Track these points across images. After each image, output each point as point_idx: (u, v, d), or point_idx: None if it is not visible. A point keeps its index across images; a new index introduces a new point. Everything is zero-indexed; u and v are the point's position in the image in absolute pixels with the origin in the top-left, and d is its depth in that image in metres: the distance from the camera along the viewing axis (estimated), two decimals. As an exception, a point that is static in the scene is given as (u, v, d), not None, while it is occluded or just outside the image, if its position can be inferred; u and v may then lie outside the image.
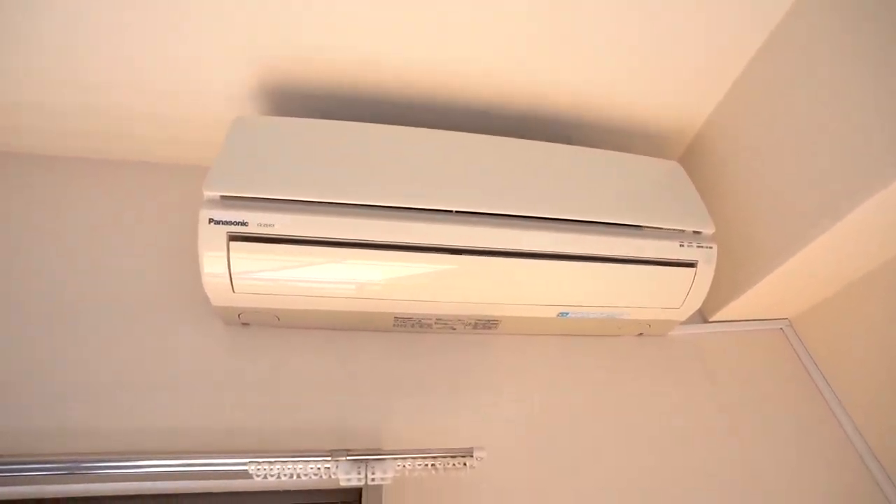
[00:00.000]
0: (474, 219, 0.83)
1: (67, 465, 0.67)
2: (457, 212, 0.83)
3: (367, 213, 0.79)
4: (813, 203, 0.90)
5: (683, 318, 1.01)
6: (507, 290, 0.88)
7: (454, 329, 0.95)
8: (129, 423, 0.76)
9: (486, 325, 0.95)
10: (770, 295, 1.07)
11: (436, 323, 0.92)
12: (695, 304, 0.97)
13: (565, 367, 0.99)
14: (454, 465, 0.70)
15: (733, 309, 1.10)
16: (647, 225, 0.91)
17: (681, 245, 0.90)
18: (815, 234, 0.89)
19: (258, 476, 0.68)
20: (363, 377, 0.88)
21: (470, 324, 0.94)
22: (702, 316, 1.15)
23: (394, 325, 0.92)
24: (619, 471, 0.88)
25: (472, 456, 0.70)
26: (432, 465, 0.71)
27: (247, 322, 0.89)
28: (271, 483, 0.77)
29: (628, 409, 0.96)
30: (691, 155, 1.24)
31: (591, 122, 1.16)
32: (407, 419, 0.84)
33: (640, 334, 1.07)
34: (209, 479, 0.73)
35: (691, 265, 0.92)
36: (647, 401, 0.99)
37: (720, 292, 1.07)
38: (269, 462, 0.66)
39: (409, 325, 0.92)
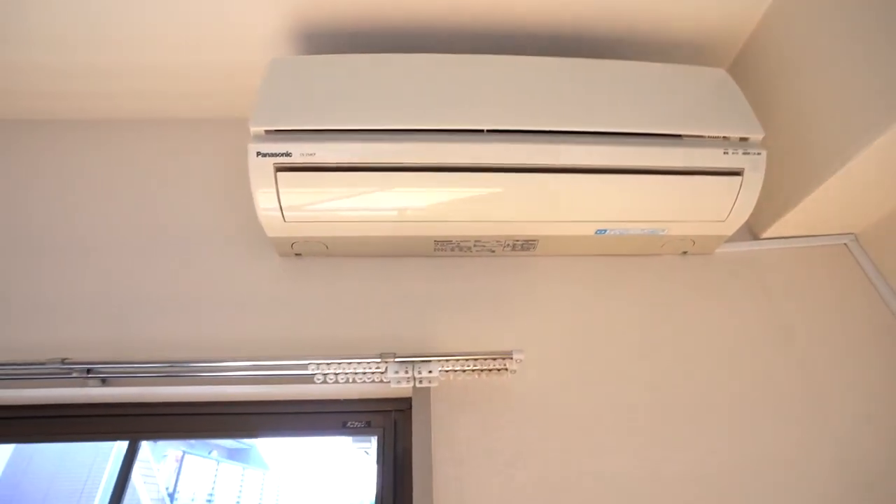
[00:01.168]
0: (508, 136, 0.84)
1: (162, 366, 0.78)
2: (489, 130, 0.84)
3: (401, 138, 0.82)
4: (874, 103, 0.83)
5: (730, 232, 0.98)
6: (544, 208, 0.89)
7: (493, 251, 0.98)
8: (207, 339, 0.86)
9: (525, 246, 0.97)
10: (828, 207, 1.01)
11: (475, 245, 0.95)
12: (741, 216, 0.94)
13: (605, 286, 1.00)
14: (495, 366, 0.75)
15: (788, 223, 1.04)
16: (687, 133, 0.87)
17: (725, 153, 0.87)
18: (876, 134, 0.82)
19: (318, 378, 0.76)
20: (407, 298, 0.93)
21: (508, 245, 0.96)
22: (752, 233, 1.10)
23: (434, 250, 0.96)
24: (664, 387, 0.89)
25: (511, 358, 0.74)
26: (474, 367, 0.75)
27: (299, 253, 0.97)
28: (329, 390, 0.85)
29: (671, 327, 0.96)
30: (739, 65, 1.16)
31: (636, 37, 1.10)
32: (450, 334, 0.89)
33: (684, 253, 1.05)
34: (275, 383, 0.82)
35: (736, 173, 0.88)
36: (691, 318, 0.98)
37: (772, 205, 1.02)
38: (327, 363, 0.73)
39: (449, 248, 0.96)
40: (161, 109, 1.19)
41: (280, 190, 0.83)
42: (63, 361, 0.75)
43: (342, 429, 0.91)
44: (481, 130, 0.84)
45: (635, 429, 0.83)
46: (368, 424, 0.90)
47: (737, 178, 0.88)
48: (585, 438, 0.81)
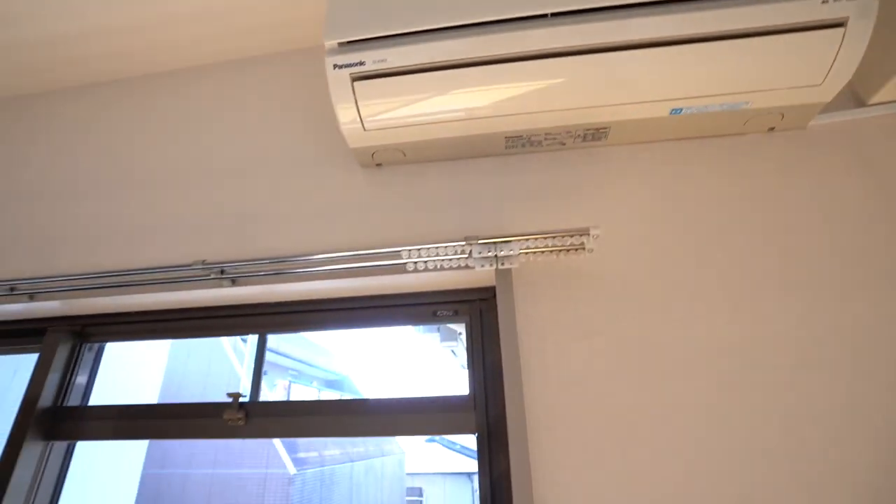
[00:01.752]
0: (573, 17, 0.82)
1: (278, 261, 0.91)
2: (553, 14, 0.82)
3: (466, 33, 0.83)
4: None
5: (827, 99, 0.90)
6: (614, 90, 0.87)
7: (563, 144, 0.99)
8: (307, 245, 0.98)
9: (595, 135, 0.96)
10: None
11: (545, 139, 0.97)
12: (842, 77, 0.85)
13: (682, 171, 0.97)
14: (573, 244, 0.79)
15: (903, 83, 0.93)
16: (777, -14, 0.79)
17: (823, 1, 0.78)
18: None
19: (409, 266, 0.85)
20: (483, 195, 0.98)
21: (579, 136, 0.96)
22: (857, 99, 1.00)
23: (506, 147, 0.99)
24: (749, 268, 0.88)
25: (588, 234, 0.78)
26: (553, 246, 0.80)
27: (379, 163, 1.04)
28: (419, 280, 0.95)
29: (755, 211, 0.93)
30: None
31: None
32: (527, 224, 0.93)
33: (771, 129, 0.99)
34: (372, 275, 0.92)
35: (837, 24, 0.79)
36: (779, 201, 0.93)
37: (884, 62, 0.91)
38: (417, 249, 0.81)
39: (520, 144, 0.98)
40: (239, 49, 1.27)
41: (358, 100, 0.89)
42: (203, 263, 0.90)
43: (433, 318, 1.02)
44: (545, 15, 0.82)
45: (714, 304, 0.85)
46: (456, 313, 1.00)
47: (837, 31, 0.80)
48: (662, 313, 0.84)
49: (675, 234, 0.91)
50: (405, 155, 1.00)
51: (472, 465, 15.45)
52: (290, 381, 8.71)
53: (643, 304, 0.85)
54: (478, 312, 0.98)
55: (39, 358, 1.12)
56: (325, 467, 8.53)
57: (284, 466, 7.40)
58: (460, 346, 1.44)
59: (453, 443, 17.27)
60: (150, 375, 3.04)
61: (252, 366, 1.07)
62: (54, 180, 1.21)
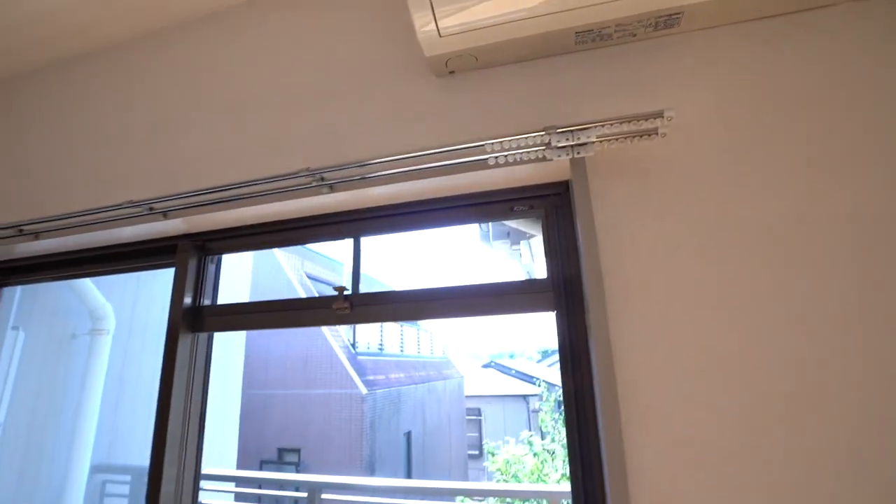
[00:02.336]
0: None
1: (371, 164, 1.02)
2: None
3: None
4: None
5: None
6: (690, -31, 0.86)
7: (634, 35, 0.99)
8: (391, 152, 1.07)
9: (668, 22, 0.96)
10: None
11: (616, 31, 0.98)
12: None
13: (761, 54, 0.95)
14: (647, 127, 0.83)
15: None
16: None
17: None
18: None
19: (490, 161, 0.93)
20: (557, 92, 1.02)
21: (650, 24, 0.96)
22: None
23: (576, 43, 1.01)
24: (832, 142, 0.88)
25: (662, 117, 0.82)
26: (628, 131, 0.85)
27: (452, 70, 1.09)
28: (497, 177, 1.03)
29: (838, 87, 0.91)
30: None
31: None
32: (600, 116, 0.97)
33: (864, -4, 0.93)
34: (450, 174, 1.01)
35: None
36: (867, 78, 0.90)
37: None
38: (500, 141, 0.89)
39: (590, 38, 0.99)
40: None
41: (434, 5, 0.93)
42: (308, 170, 1.03)
43: (510, 213, 1.11)
44: None
45: (791, 182, 0.87)
46: (532, 207, 1.08)
47: None
48: (737, 190, 0.88)
49: (750, 116, 0.92)
50: (477, 60, 1.05)
51: (527, 389, 16.22)
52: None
53: (717, 185, 0.89)
54: (553, 205, 1.06)
55: (176, 270, 1.33)
56: (392, 388, 9.34)
57: (357, 387, 8.19)
58: (526, 250, 1.54)
59: (508, 368, 18.11)
60: (243, 280, 3.98)
61: (352, 265, 1.23)
62: (177, 113, 1.37)
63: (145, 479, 1.19)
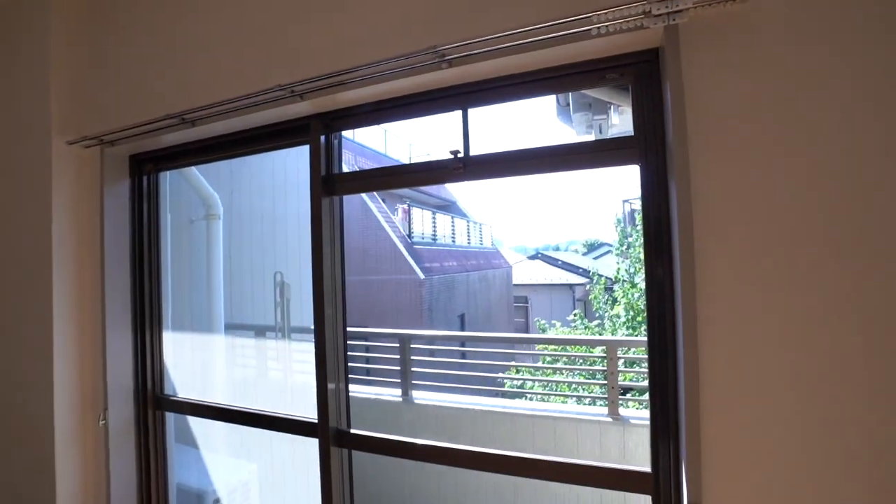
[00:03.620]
0: None
1: (488, 39, 1.19)
2: None
3: None
4: None
5: None
6: None
7: None
8: (501, 23, 1.22)
9: None
10: None
11: None
12: None
13: None
14: (740, -10, 0.95)
15: None
16: None
17: None
18: None
19: (595, 29, 1.08)
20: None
21: None
22: None
23: None
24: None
25: (756, -22, 0.93)
26: (721, -5, 0.97)
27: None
28: (590, 48, 1.17)
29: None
30: None
31: None
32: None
33: None
34: (555, 45, 1.17)
35: None
36: None
37: None
38: (603, 12, 1.04)
39: None
40: None
41: None
42: (433, 48, 1.22)
43: (601, 81, 1.28)
44: None
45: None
46: (622, 75, 1.24)
47: None
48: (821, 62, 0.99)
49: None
50: (580, -69, 1.14)
51: (573, 279, 16.75)
52: (409, 205, 9.88)
53: (806, 55, 0.99)
54: (642, 72, 1.21)
55: (310, 146, 1.62)
56: (447, 275, 10.09)
57: (416, 273, 8.94)
58: (605, 121, 1.70)
59: (555, 259, 18.64)
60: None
61: (462, 133, 1.46)
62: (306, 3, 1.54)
63: (265, 333, 1.58)
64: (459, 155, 1.41)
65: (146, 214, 2.06)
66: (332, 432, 1.55)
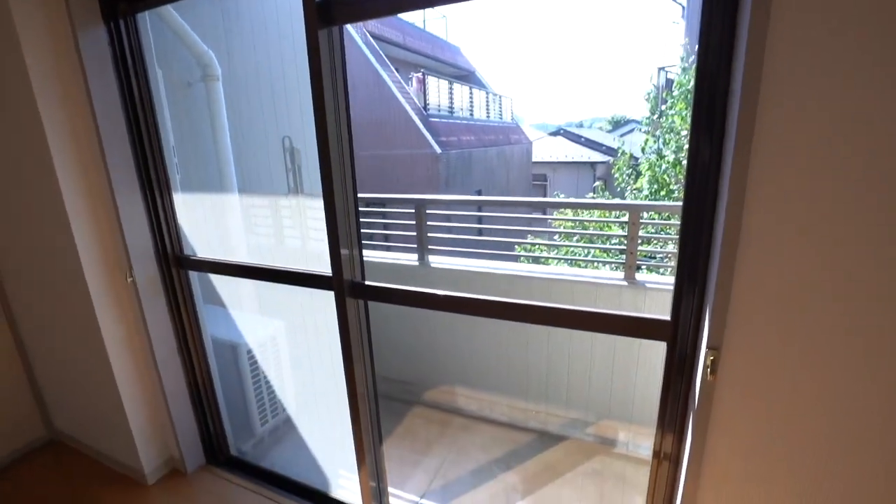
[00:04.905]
0: None
1: None
2: None
3: None
4: None
5: None
6: None
7: None
8: None
9: None
10: None
11: None
12: None
13: None
14: None
15: None
16: None
17: None
18: None
19: None
20: None
21: None
22: None
23: None
24: None
25: None
26: None
27: None
28: None
29: None
30: None
31: None
32: None
33: None
34: None
35: None
36: None
37: None
38: None
39: None
40: None
41: None
42: None
43: None
44: None
45: None
46: None
47: None
48: None
49: None
50: None
51: (595, 156, 16.17)
52: (424, 73, 9.12)
53: None
54: None
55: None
56: (464, 150, 9.73)
57: (432, 147, 8.61)
58: None
59: (577, 136, 17.80)
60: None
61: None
62: None
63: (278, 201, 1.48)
64: None
65: (132, 67, 1.87)
66: (347, 284, 1.55)
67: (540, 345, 2.96)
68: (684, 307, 1.12)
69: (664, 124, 5.45)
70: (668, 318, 1.16)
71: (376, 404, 1.79)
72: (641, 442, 2.79)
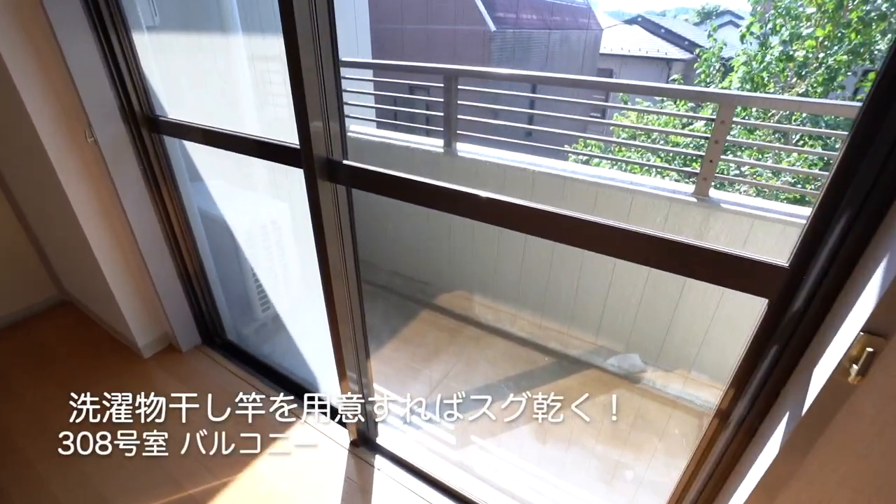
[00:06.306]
0: None
1: None
2: None
3: None
4: None
5: None
6: None
7: None
8: None
9: None
10: None
11: None
12: None
13: None
14: None
15: None
16: None
17: None
18: None
19: None
20: None
21: None
22: None
23: None
24: None
25: None
26: None
27: None
28: None
29: None
30: None
31: None
32: None
33: None
34: None
35: None
36: None
37: None
38: None
39: None
40: None
41: None
42: None
43: None
44: None
45: None
46: None
47: None
48: None
49: None
50: None
51: (674, 52, 14.04)
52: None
53: None
54: None
55: None
56: (523, 30, 8.44)
57: (485, 23, 7.47)
58: None
59: (658, 26, 15.32)
60: None
61: None
62: None
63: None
64: None
65: None
66: (320, 162, 1.15)
67: (573, 258, 2.56)
68: (824, 255, 0.66)
69: (779, 3, 4.28)
70: (783, 263, 0.71)
71: (360, 301, 1.49)
72: (668, 383, 2.48)
